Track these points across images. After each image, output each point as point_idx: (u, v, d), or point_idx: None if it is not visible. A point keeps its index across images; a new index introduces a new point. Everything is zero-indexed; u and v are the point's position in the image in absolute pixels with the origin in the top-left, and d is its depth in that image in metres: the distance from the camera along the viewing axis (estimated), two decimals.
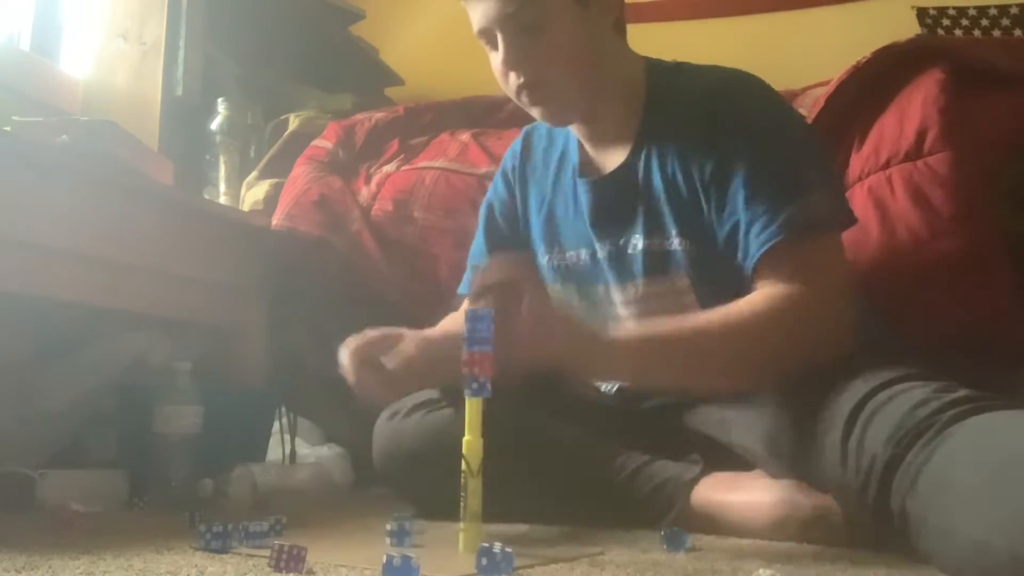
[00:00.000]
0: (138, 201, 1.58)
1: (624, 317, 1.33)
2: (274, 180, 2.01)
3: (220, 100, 2.06)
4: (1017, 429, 0.90)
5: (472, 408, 0.95)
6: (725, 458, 1.25)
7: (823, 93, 1.60)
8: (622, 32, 1.35)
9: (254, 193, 2.00)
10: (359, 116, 2.10)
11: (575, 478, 1.31)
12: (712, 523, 1.20)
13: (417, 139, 2.03)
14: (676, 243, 1.26)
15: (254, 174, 2.06)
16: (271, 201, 1.95)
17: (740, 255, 1.20)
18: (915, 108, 1.44)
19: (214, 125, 2.05)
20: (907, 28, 2.16)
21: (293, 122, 2.15)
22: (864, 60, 1.53)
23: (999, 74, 1.47)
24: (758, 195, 1.18)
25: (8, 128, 1.52)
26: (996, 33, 2.21)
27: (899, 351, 1.19)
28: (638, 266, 1.30)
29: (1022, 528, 0.79)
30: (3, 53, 1.93)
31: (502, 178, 1.50)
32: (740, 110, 1.23)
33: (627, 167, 1.31)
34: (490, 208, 1.50)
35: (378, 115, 2.08)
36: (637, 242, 1.30)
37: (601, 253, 1.34)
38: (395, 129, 2.06)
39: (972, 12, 2.24)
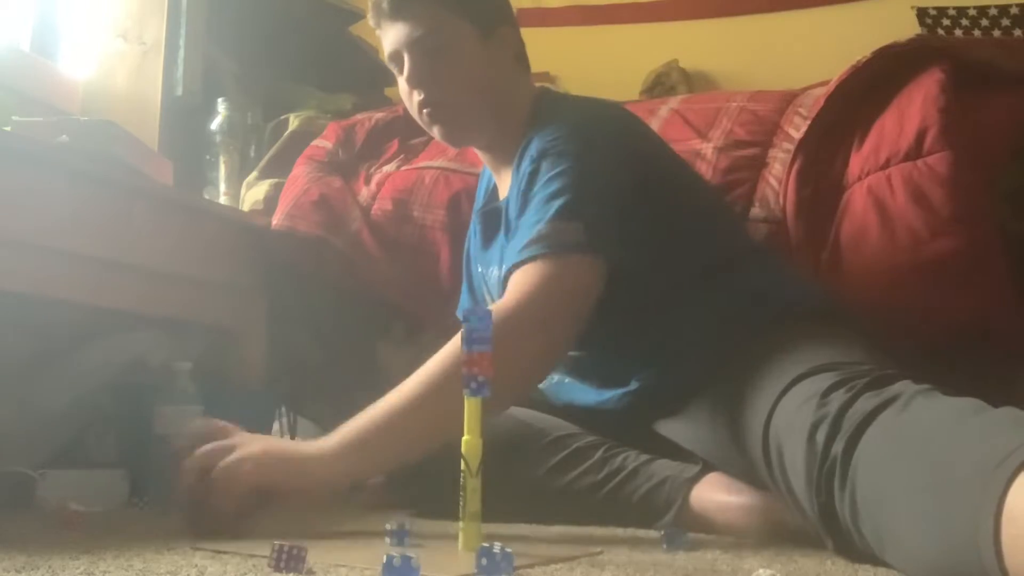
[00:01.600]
0: (138, 201, 1.57)
1: None
2: (274, 180, 2.00)
3: (220, 100, 2.06)
4: (903, 443, 0.89)
5: (471, 408, 0.95)
6: None
7: (823, 93, 1.60)
8: (525, 66, 1.46)
9: (254, 193, 2.00)
10: (359, 116, 2.10)
11: (574, 476, 1.31)
12: (710, 523, 1.20)
13: (417, 139, 2.03)
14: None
15: (254, 174, 2.06)
16: (271, 201, 1.95)
17: (506, 264, 1.25)
18: (915, 108, 1.44)
19: (214, 125, 2.05)
20: (907, 28, 2.17)
21: (293, 122, 2.15)
22: (864, 60, 1.53)
23: (999, 74, 1.47)
24: (524, 221, 1.25)
25: (8, 128, 1.52)
26: (996, 33, 2.21)
27: (820, 320, 1.23)
28: (496, 291, 1.40)
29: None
30: (3, 53, 1.92)
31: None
32: (544, 146, 1.29)
33: (504, 199, 1.40)
34: (468, 243, 1.61)
35: (378, 115, 2.09)
36: (494, 269, 1.42)
37: (486, 277, 1.46)
38: (395, 129, 2.06)
39: (972, 12, 2.25)
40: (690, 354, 1.25)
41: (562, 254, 1.19)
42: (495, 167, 1.47)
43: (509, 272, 1.22)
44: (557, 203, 1.22)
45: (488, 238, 1.46)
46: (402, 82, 1.38)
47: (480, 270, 1.51)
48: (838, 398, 0.98)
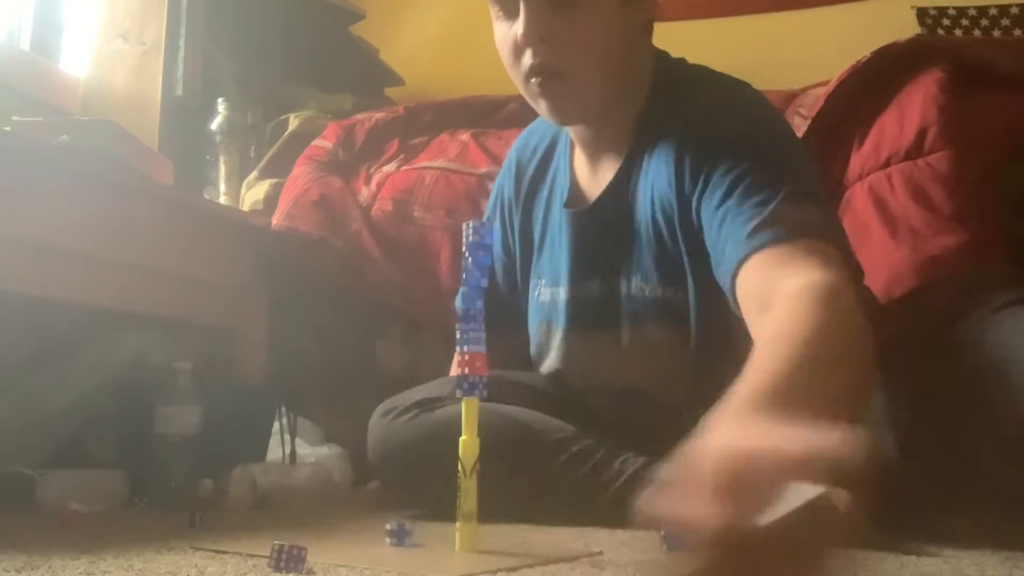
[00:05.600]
0: (138, 201, 1.57)
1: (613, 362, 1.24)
2: (274, 180, 2.01)
3: (220, 100, 2.06)
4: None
5: (467, 408, 0.95)
6: None
7: (823, 93, 1.60)
8: (649, 34, 1.26)
9: (254, 193, 2.00)
10: (359, 116, 2.10)
11: (575, 479, 1.31)
12: None
13: (417, 139, 2.03)
14: (660, 291, 1.18)
15: (254, 174, 2.06)
16: (271, 201, 1.95)
17: (731, 257, 1.03)
18: (915, 107, 1.44)
19: (214, 125, 2.05)
20: (907, 28, 2.16)
21: (293, 122, 2.15)
22: (864, 60, 1.53)
23: (999, 74, 1.48)
24: (748, 198, 1.04)
25: (8, 128, 1.52)
26: (996, 33, 2.21)
27: None
28: (625, 313, 1.24)
29: None
30: (3, 52, 1.92)
31: (495, 205, 1.45)
32: (735, 129, 1.12)
33: (613, 191, 1.23)
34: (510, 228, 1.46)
35: (378, 115, 2.09)
36: (623, 285, 1.23)
37: (575, 293, 1.27)
38: (395, 129, 2.06)
39: (972, 12, 2.24)
40: None
41: (821, 232, 1.01)
42: (595, 146, 1.24)
43: (746, 256, 0.99)
44: (792, 184, 1.02)
45: (590, 246, 1.22)
46: (506, 32, 1.14)
47: (554, 284, 1.28)
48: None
